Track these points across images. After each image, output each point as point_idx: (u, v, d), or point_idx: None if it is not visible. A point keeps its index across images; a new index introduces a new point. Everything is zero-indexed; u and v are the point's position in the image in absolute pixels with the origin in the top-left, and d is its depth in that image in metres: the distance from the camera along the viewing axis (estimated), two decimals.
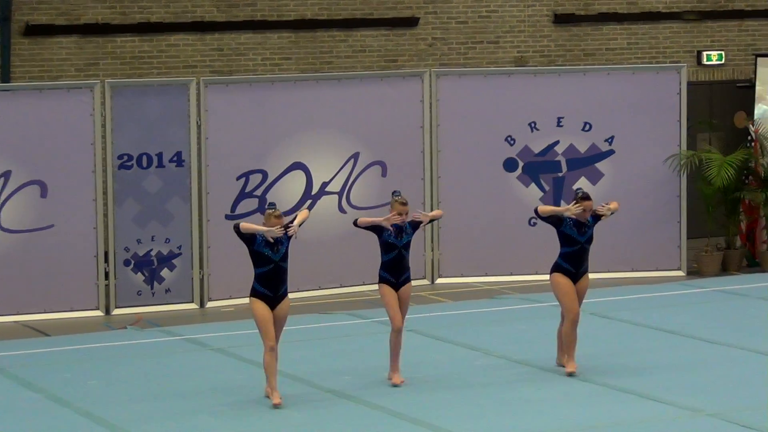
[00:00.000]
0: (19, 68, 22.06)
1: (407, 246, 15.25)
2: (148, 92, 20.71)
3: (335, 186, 21.51)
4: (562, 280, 15.81)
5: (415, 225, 15.34)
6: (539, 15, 25.17)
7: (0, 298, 19.87)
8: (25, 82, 21.57)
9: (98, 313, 20.21)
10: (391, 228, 15.16)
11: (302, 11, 23.73)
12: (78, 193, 20.16)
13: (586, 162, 22.47)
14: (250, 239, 14.19)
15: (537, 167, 22.42)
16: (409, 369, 15.60)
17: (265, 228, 14.15)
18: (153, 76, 22.34)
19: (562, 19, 25.26)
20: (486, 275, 21.90)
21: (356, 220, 15.57)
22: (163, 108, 20.53)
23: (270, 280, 14.35)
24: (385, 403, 14.59)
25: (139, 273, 20.43)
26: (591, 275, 21.63)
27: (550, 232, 22.07)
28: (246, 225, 14.39)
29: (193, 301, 20.56)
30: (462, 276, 21.60)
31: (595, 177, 22.44)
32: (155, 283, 20.48)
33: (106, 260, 20.25)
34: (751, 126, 24.30)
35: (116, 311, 20.23)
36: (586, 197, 15.55)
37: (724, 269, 22.76)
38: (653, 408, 14.71)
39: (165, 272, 20.54)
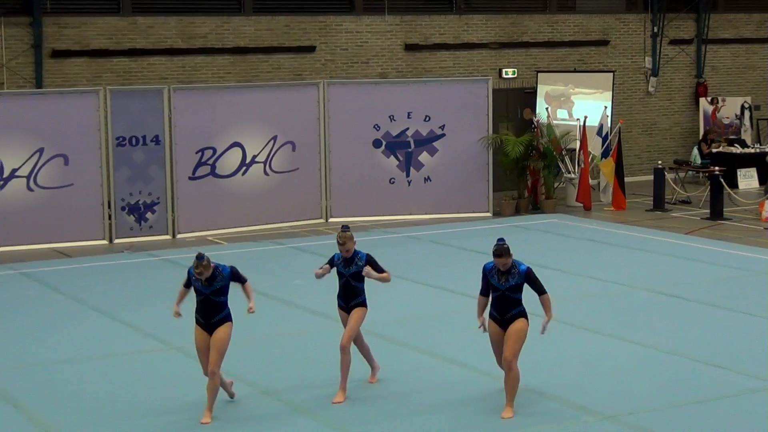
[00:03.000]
0: (47, 79, 21.84)
1: (355, 276, 10.95)
2: (135, 95, 20.61)
3: (261, 157, 21.46)
4: (490, 328, 10.43)
5: (371, 262, 11.02)
6: (395, 45, 25.29)
7: (37, 232, 19.77)
8: (52, 88, 21.40)
9: (104, 242, 20.15)
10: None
11: (238, 41, 23.69)
12: (89, 162, 20.08)
13: (426, 141, 22.60)
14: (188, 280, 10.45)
15: (394, 145, 22.52)
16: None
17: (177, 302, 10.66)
18: (138, 85, 22.20)
19: (410, 48, 25.39)
20: (361, 216, 22.03)
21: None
22: (145, 106, 20.44)
23: (201, 310, 10.39)
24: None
25: (131, 215, 20.39)
26: (430, 216, 22.23)
27: (402, 189, 22.42)
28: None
29: (167, 234, 20.55)
30: (346, 216, 21.74)
31: (432, 151, 22.62)
32: (142, 222, 20.45)
33: (109, 207, 20.23)
34: (533, 118, 24.71)
35: (116, 241, 20.17)
36: (497, 254, 10.15)
37: (517, 212, 22.95)
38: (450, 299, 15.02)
39: (149, 215, 20.50)
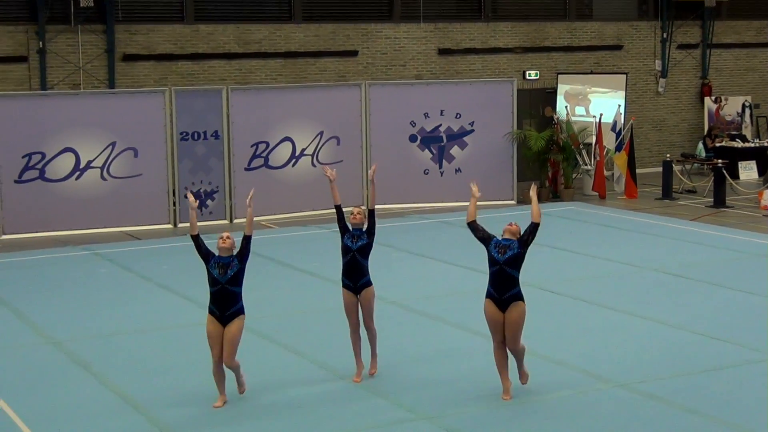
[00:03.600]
0: (119, 81, 21.90)
1: (361, 250, 10.30)
2: (197, 95, 20.59)
3: (309, 151, 21.41)
4: (487, 308, 9.74)
5: (369, 232, 10.37)
6: (429, 49, 25.18)
7: (110, 217, 19.80)
8: (123, 89, 21.46)
9: (169, 226, 20.16)
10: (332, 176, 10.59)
11: (288, 46, 23.65)
12: (156, 155, 20.07)
13: (457, 136, 22.48)
14: (205, 257, 9.92)
15: (428, 140, 22.42)
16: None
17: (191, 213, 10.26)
18: (200, 85, 22.21)
19: (443, 52, 25.25)
20: (399, 203, 21.95)
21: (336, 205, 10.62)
22: (206, 104, 20.42)
23: (216, 301, 9.75)
24: None
25: None
26: (460, 203, 22.08)
27: (435, 179, 22.33)
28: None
29: (226, 219, 20.51)
30: (385, 204, 21.65)
31: (463, 145, 22.50)
32: (203, 208, 20.44)
33: (174, 194, 20.24)
34: (554, 115, 24.55)
35: (180, 225, 20.13)
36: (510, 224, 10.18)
37: (539, 200, 22.71)
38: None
39: (209, 202, 20.51)
